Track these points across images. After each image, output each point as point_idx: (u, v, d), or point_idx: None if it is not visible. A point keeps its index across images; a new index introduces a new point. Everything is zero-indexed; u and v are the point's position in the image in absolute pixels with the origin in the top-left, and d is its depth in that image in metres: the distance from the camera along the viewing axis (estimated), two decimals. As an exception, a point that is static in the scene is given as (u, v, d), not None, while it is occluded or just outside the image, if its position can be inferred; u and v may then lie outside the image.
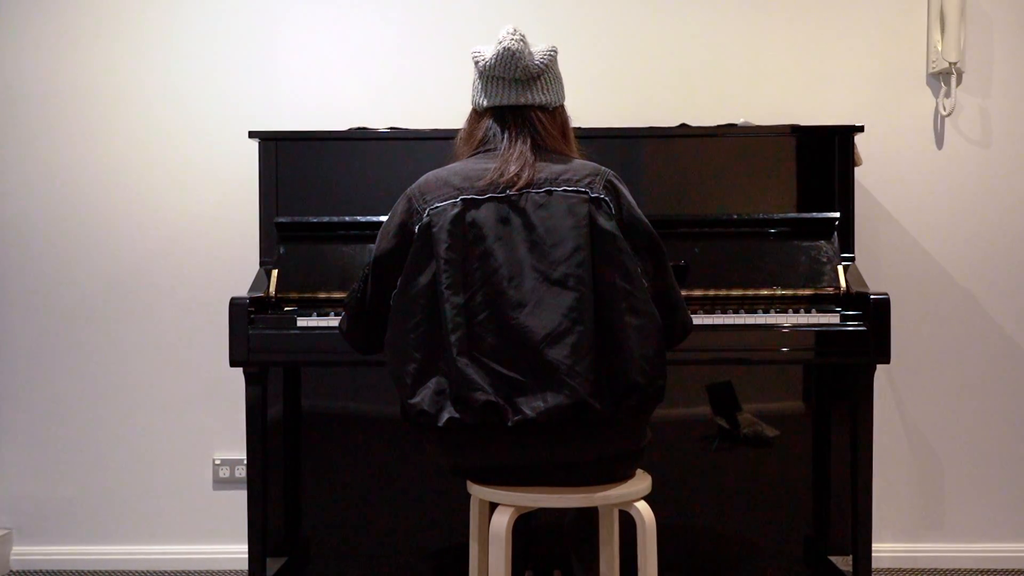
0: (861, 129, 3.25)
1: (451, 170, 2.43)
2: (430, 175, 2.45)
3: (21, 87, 3.60)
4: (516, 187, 2.36)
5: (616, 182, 2.43)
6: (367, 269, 2.48)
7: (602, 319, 2.32)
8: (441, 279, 2.32)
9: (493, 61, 2.43)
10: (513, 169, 2.38)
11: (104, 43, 3.59)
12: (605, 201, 2.38)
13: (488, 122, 2.48)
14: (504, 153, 2.42)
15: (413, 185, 2.44)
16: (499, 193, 2.37)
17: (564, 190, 2.37)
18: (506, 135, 2.44)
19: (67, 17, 3.59)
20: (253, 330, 2.96)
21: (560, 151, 2.47)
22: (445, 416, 2.31)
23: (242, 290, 3.19)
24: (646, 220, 2.45)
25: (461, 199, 2.36)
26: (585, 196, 2.37)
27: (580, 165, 2.43)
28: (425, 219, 2.37)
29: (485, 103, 2.47)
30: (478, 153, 2.47)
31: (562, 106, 2.53)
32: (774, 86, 3.57)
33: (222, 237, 3.57)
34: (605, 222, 2.36)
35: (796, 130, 3.29)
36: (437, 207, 2.36)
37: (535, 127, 2.45)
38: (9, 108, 3.61)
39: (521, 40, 2.42)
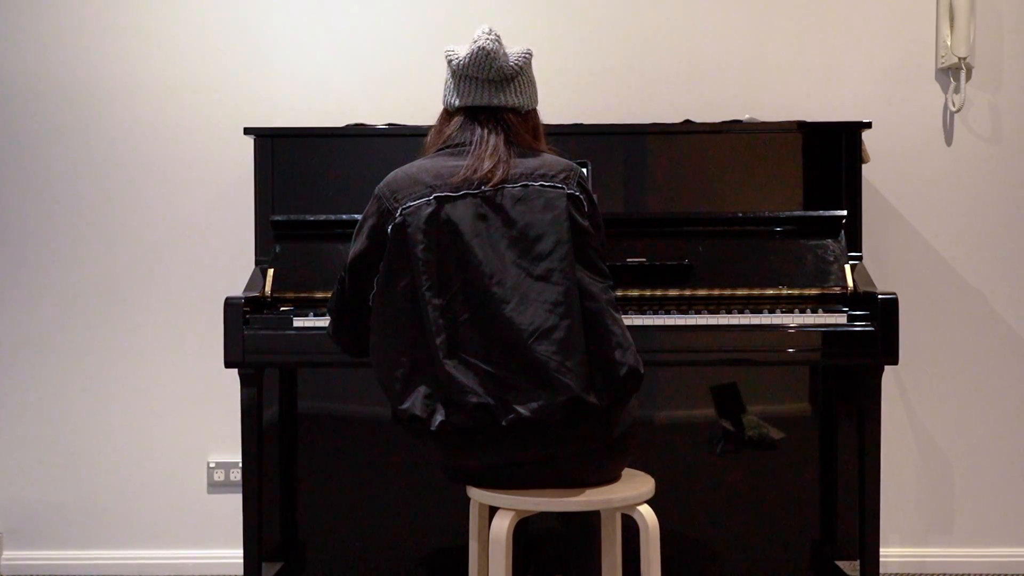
0: (869, 125, 3.24)
1: (420, 167, 2.41)
2: (398, 172, 2.43)
3: (12, 83, 3.58)
4: (491, 183, 2.35)
5: (586, 180, 2.46)
6: (343, 271, 2.47)
7: (587, 311, 2.33)
8: (421, 281, 2.31)
9: (467, 60, 2.42)
10: (487, 165, 2.37)
11: (96, 38, 3.57)
12: (579, 199, 2.40)
13: (458, 120, 2.46)
14: (477, 149, 2.40)
15: (381, 183, 2.42)
16: (474, 189, 2.35)
17: (541, 184, 2.37)
18: (478, 132, 2.42)
19: (58, 12, 3.56)
20: (248, 330, 2.94)
21: (534, 148, 2.47)
22: (437, 420, 2.30)
23: (237, 290, 3.16)
24: (603, 224, 2.50)
25: (435, 197, 2.35)
26: (562, 191, 2.37)
27: (553, 160, 2.44)
28: (398, 219, 2.34)
29: (457, 102, 2.46)
30: (445, 149, 2.45)
31: (535, 110, 2.53)
32: (780, 82, 3.54)
33: (217, 235, 3.55)
34: (581, 219, 2.38)
35: (802, 126, 3.27)
36: (410, 206, 2.34)
37: (508, 127, 2.44)
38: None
39: (496, 40, 2.42)
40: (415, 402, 2.32)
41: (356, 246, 2.42)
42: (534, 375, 2.26)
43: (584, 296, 2.33)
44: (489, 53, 2.40)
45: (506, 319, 2.28)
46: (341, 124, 3.37)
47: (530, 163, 2.40)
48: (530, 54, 2.48)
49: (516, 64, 2.44)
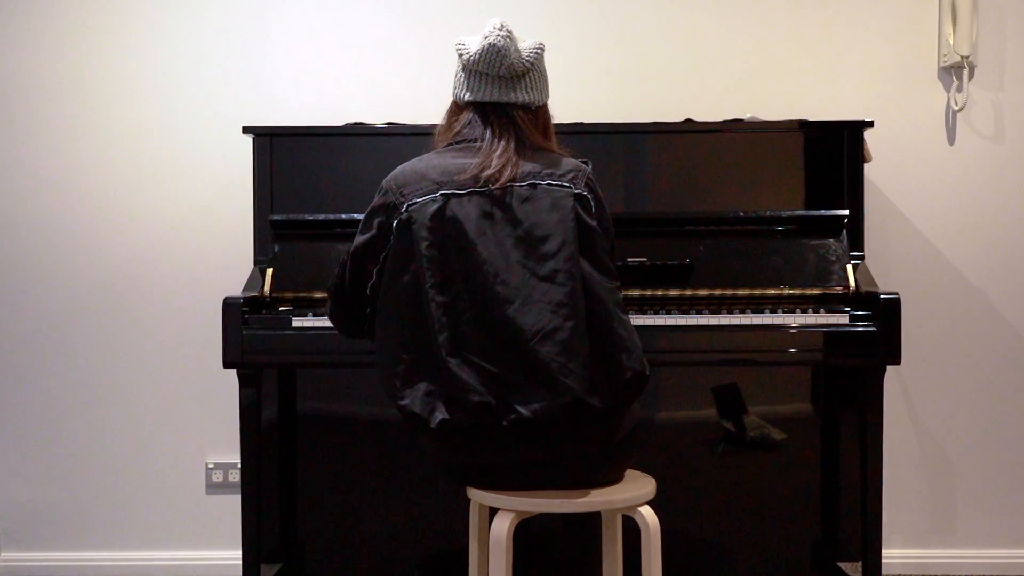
0: (871, 124, 3.22)
1: (428, 163, 2.40)
2: (405, 167, 2.43)
3: (7, 81, 3.56)
4: (499, 183, 2.34)
5: (594, 181, 2.44)
6: (346, 256, 2.46)
7: (593, 313, 2.31)
8: (424, 278, 2.30)
9: (477, 56, 2.41)
10: (496, 165, 2.36)
11: (92, 36, 3.55)
12: (587, 198, 2.38)
13: (468, 116, 2.45)
14: (486, 149, 2.39)
15: (388, 177, 2.42)
16: (480, 188, 2.34)
17: (548, 183, 2.37)
18: (488, 131, 2.41)
19: (54, 9, 3.55)
20: (247, 330, 2.93)
21: (543, 147, 2.46)
22: (438, 418, 2.29)
23: (236, 289, 3.15)
24: (612, 225, 2.49)
25: (441, 194, 2.34)
26: (569, 190, 2.36)
27: (562, 160, 2.43)
28: (404, 215, 2.34)
29: (467, 97, 2.45)
30: (454, 145, 2.44)
31: (545, 105, 2.52)
32: (781, 80, 3.53)
33: (215, 235, 3.54)
34: (588, 219, 2.37)
35: (804, 125, 3.26)
36: (416, 202, 2.34)
37: (518, 125, 2.43)
38: (-2, 103, 3.58)
39: (507, 36, 2.40)
40: (414, 400, 2.31)
41: (360, 237, 2.42)
42: (536, 376, 2.25)
43: (590, 297, 2.32)
44: (500, 50, 2.38)
45: (509, 319, 2.27)
46: (340, 123, 3.35)
47: (538, 162, 2.39)
48: (542, 48, 2.46)
49: (528, 60, 2.42)
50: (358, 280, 2.44)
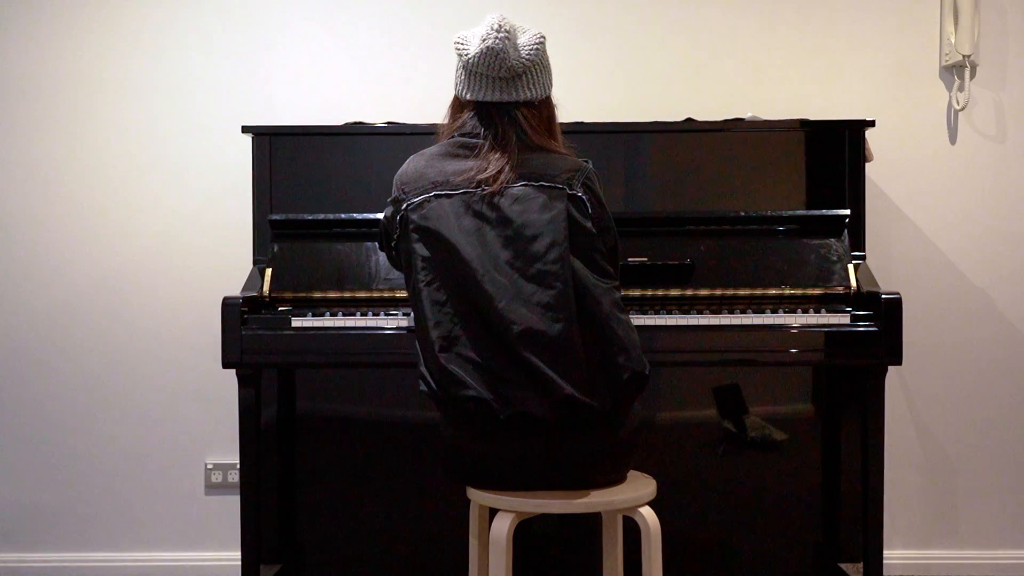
0: (872, 124, 3.21)
1: (429, 161, 2.44)
2: (410, 163, 2.48)
3: (6, 80, 3.55)
4: (495, 185, 2.36)
5: (594, 181, 2.44)
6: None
7: (590, 314, 2.32)
8: (419, 276, 2.34)
9: (476, 59, 2.41)
10: (492, 169, 2.38)
11: (92, 35, 3.55)
12: (583, 200, 2.38)
13: (469, 113, 2.46)
14: (486, 153, 2.40)
15: (398, 171, 2.49)
16: (474, 188, 2.37)
17: (541, 184, 2.37)
18: (489, 135, 2.42)
19: (54, 7, 3.54)
20: (246, 331, 2.92)
21: (544, 146, 2.45)
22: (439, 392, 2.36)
23: (235, 289, 3.14)
24: (614, 224, 2.49)
25: (435, 194, 2.37)
26: (563, 191, 2.37)
27: (560, 160, 2.43)
28: (403, 212, 2.40)
29: (468, 96, 2.46)
30: (456, 139, 2.46)
31: (548, 98, 2.51)
32: (783, 80, 3.53)
33: (214, 235, 3.53)
34: (583, 220, 2.37)
35: (805, 125, 3.25)
36: (413, 202, 2.38)
37: (519, 125, 2.44)
38: (-3, 103, 3.57)
39: (505, 37, 2.40)
40: (423, 372, 2.39)
41: (385, 211, 2.52)
42: (524, 374, 2.27)
43: (586, 298, 2.32)
44: (498, 53, 2.38)
45: (497, 317, 2.29)
46: (340, 122, 3.35)
47: (535, 162, 2.40)
48: (542, 41, 2.46)
49: (528, 58, 2.42)
50: (386, 246, 2.55)
